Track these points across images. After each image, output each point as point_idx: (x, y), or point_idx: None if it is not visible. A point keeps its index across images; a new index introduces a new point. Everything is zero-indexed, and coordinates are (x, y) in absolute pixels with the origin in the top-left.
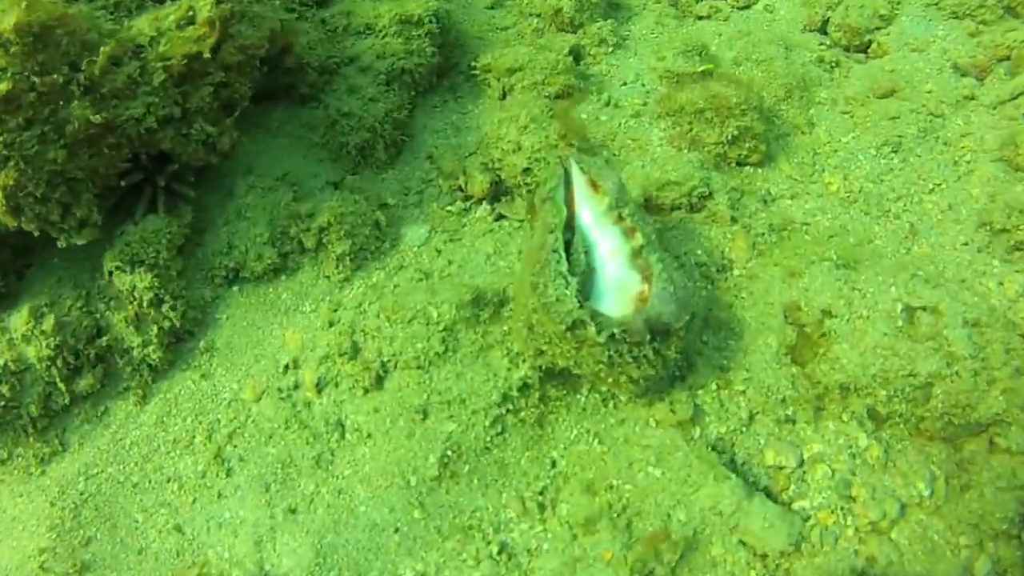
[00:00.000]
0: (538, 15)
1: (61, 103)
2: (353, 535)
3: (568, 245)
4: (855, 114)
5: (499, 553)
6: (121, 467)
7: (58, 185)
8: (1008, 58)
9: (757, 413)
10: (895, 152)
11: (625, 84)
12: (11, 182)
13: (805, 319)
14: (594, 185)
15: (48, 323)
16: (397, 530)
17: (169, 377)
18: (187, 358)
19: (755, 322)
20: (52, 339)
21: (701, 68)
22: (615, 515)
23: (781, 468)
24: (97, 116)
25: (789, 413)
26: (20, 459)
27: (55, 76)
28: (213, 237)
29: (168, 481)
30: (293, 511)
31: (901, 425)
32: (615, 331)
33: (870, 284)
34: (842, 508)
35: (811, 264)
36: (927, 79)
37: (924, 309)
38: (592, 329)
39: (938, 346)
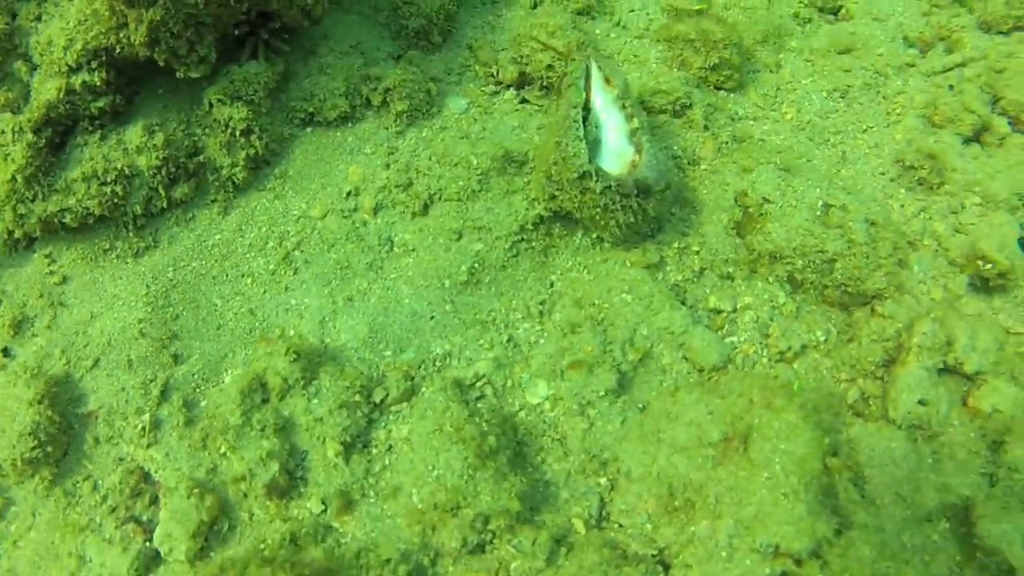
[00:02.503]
0: None
1: None
2: (398, 318)
3: (584, 120)
4: (816, 63)
5: (507, 342)
6: (203, 262)
7: (190, 26)
8: (948, 38)
9: (706, 269)
10: (842, 97)
11: (633, 11)
12: (157, 18)
13: (749, 203)
14: (607, 80)
15: (159, 138)
16: (432, 318)
17: (247, 195)
18: (264, 181)
19: (712, 203)
20: (161, 152)
21: (697, 6)
22: (595, 323)
23: (719, 311)
24: None
25: (730, 271)
26: (119, 250)
27: None
28: (296, 86)
29: (243, 276)
30: (351, 299)
31: (811, 292)
32: (612, 183)
33: (801, 184)
34: (760, 343)
35: (759, 164)
36: (880, 44)
37: (837, 207)
38: (595, 180)
39: (843, 233)
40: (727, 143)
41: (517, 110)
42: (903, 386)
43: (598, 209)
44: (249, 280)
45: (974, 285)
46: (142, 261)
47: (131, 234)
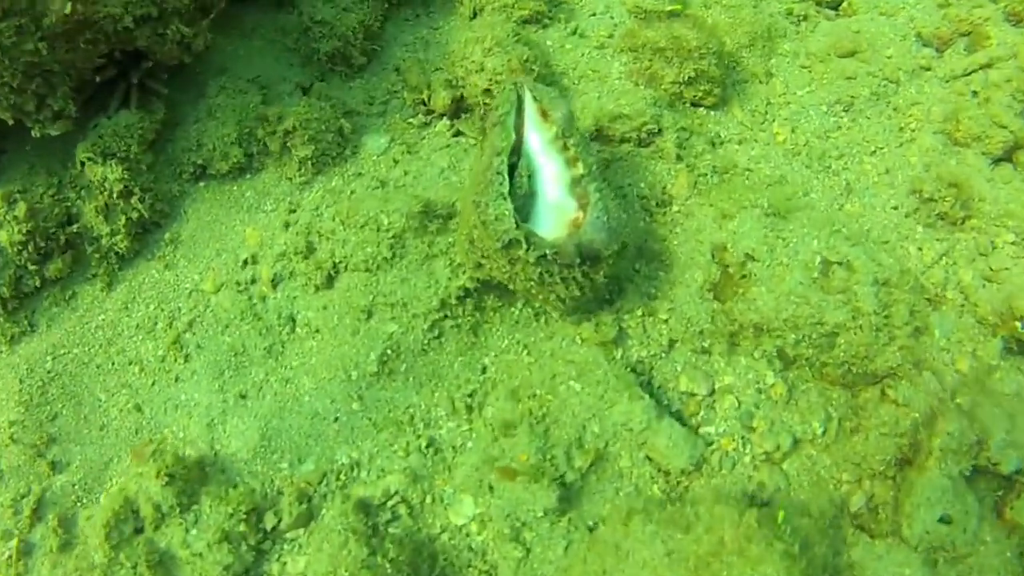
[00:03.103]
0: None
1: None
2: (296, 421)
3: (513, 168)
4: (814, 69)
5: (427, 447)
6: (86, 349)
7: (34, 77)
8: (969, 34)
9: (676, 342)
10: (846, 111)
11: (594, 15)
12: None
13: (730, 260)
14: (544, 114)
15: (20, 209)
16: (336, 419)
17: (135, 265)
18: (152, 248)
19: (684, 257)
20: (24, 225)
21: (669, 7)
22: (535, 422)
23: (693, 395)
24: (74, 9)
25: (706, 345)
26: None
27: None
28: (183, 133)
29: (130, 364)
30: (243, 397)
31: (807, 368)
32: (547, 252)
33: (794, 234)
34: (742, 437)
35: (743, 209)
36: (889, 44)
37: (840, 264)
38: (525, 248)
39: (847, 300)
40: (705, 176)
41: (448, 146)
42: (921, 498)
43: (533, 282)
44: (136, 369)
45: (1010, 348)
46: (18, 350)
47: (2, 319)
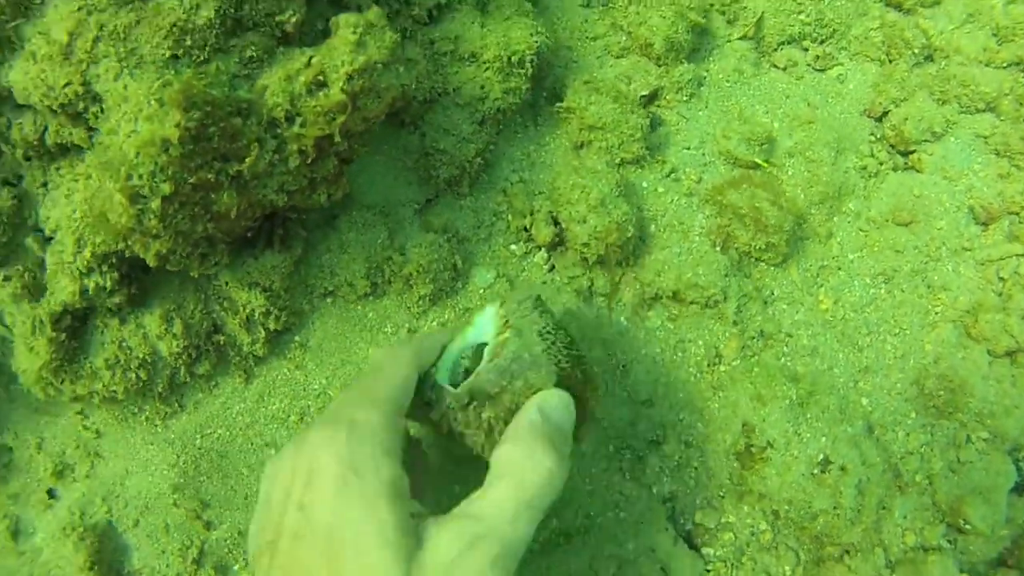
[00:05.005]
0: (628, 32)
1: (212, 193)
2: None
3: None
4: (869, 235)
5: None
6: (229, 430)
7: (200, 244)
8: (1017, 214)
9: (699, 486)
10: (885, 283)
11: (688, 148)
12: (164, 250)
13: (754, 440)
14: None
15: (177, 327)
16: None
17: (268, 363)
18: (284, 349)
19: (720, 420)
20: (181, 340)
21: (756, 159)
22: (588, 537)
23: (703, 526)
24: (242, 202)
25: (721, 493)
26: (147, 412)
27: (209, 175)
28: (315, 260)
29: (267, 446)
30: None
31: (791, 523)
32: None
33: (808, 431)
34: (732, 564)
35: (775, 398)
36: (943, 215)
37: (836, 465)
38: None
39: (832, 494)
40: (753, 339)
41: (544, 283)
42: None
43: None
44: (273, 451)
45: (953, 532)
46: (171, 426)
47: (157, 402)
